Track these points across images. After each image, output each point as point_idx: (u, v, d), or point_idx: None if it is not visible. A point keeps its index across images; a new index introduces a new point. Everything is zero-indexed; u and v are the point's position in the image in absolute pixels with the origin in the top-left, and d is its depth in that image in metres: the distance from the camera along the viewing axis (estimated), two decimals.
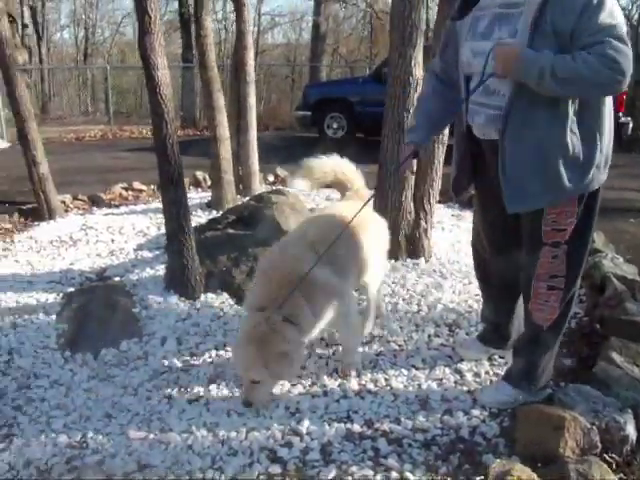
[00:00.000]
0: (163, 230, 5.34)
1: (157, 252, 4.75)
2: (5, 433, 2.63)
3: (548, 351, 2.64)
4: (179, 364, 3.11)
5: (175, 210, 3.61)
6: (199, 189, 7.34)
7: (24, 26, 15.51)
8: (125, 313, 3.62)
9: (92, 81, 21.69)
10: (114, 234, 5.41)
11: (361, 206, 2.82)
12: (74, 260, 4.74)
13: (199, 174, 7.44)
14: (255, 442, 2.49)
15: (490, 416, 2.66)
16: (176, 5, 18.28)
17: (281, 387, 2.86)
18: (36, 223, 5.80)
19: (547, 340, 2.62)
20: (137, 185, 7.13)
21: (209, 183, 7.16)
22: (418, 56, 4.11)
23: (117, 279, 4.16)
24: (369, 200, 3.00)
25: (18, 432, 2.62)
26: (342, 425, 2.59)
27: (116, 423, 2.66)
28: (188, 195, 3.84)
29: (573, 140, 2.27)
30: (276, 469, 2.34)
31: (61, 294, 4.04)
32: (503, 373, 2.86)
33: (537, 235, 2.45)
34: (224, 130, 5.97)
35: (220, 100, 5.98)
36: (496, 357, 3.13)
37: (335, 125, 11.86)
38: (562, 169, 2.28)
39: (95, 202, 6.58)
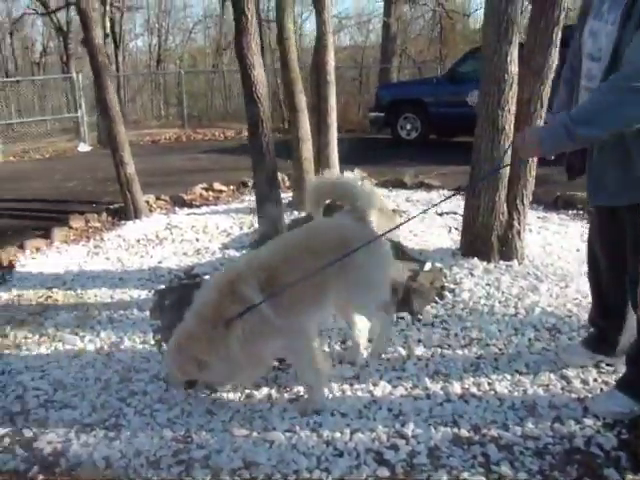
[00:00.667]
0: (246, 230, 5.47)
1: (243, 251, 4.77)
2: (114, 423, 2.69)
3: None
4: (276, 363, 3.09)
5: (270, 208, 3.61)
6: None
7: (105, 36, 16.06)
8: None
9: (164, 86, 22.22)
10: (198, 233, 5.49)
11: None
12: (162, 258, 4.84)
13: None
14: (360, 444, 2.44)
15: (605, 426, 2.52)
16: None
17: (382, 389, 2.81)
18: (123, 222, 5.96)
19: None
20: (217, 186, 7.23)
21: (287, 184, 7.20)
22: (514, 52, 3.97)
23: (206, 277, 4.20)
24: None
25: (125, 423, 2.68)
26: (448, 429, 2.51)
27: (218, 419, 2.67)
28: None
29: None
30: (384, 472, 2.29)
31: (152, 291, 4.13)
32: (616, 382, 2.70)
33: (636, 234, 2.41)
34: (306, 131, 5.97)
35: (302, 101, 5.99)
36: (603, 364, 2.97)
37: (409, 126, 11.75)
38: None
39: (177, 202, 6.70)
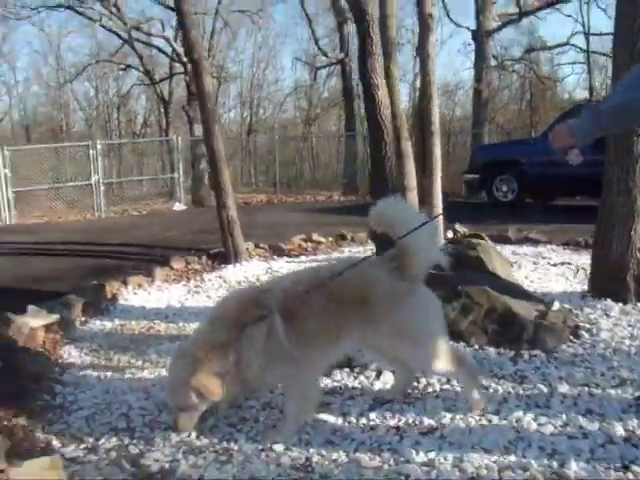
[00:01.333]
0: None
1: None
2: (224, 447, 2.45)
3: None
4: (399, 396, 2.78)
5: None
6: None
7: None
8: None
9: (255, 154, 22.93)
10: None
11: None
12: None
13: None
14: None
15: None
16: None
17: (528, 425, 2.43)
18: (223, 265, 5.90)
19: None
20: (316, 237, 7.12)
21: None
22: None
23: None
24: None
25: (236, 447, 2.44)
26: (621, 474, 2.10)
27: (340, 449, 2.38)
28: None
29: None
30: None
31: None
32: None
33: None
34: (412, 179, 5.75)
35: (408, 147, 5.81)
36: None
37: (505, 188, 11.37)
38: None
39: (275, 251, 6.61)
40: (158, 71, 22.24)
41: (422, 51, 6.45)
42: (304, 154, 21.95)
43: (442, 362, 2.51)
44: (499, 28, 16.96)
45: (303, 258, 6.37)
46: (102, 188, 14.20)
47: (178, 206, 13.53)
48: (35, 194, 14.53)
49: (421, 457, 2.27)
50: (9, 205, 13.14)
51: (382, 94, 3.41)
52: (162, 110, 23.09)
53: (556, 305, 3.71)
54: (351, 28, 17.74)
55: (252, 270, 5.61)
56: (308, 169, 21.85)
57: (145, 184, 16.49)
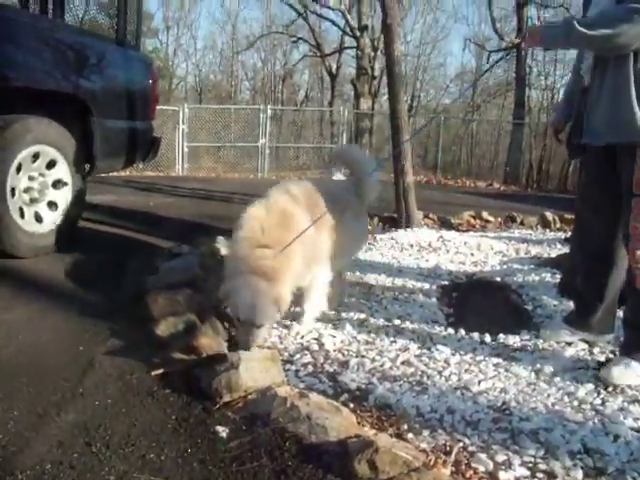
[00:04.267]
0: (523, 254, 5.12)
1: (531, 266, 4.44)
2: (418, 380, 2.51)
3: None
4: (593, 364, 2.69)
5: None
6: (547, 229, 6.89)
7: (373, 77, 17.19)
8: (517, 308, 3.37)
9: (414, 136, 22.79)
10: (472, 250, 5.25)
11: None
12: (437, 262, 4.67)
13: (548, 214, 7.04)
14: None
15: None
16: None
17: None
18: (394, 229, 5.95)
19: None
20: (485, 215, 7.00)
21: (558, 225, 6.83)
22: None
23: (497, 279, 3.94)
24: None
25: (430, 383, 2.49)
26: None
27: (538, 401, 2.34)
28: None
29: None
30: None
31: (434, 284, 3.96)
32: (620, 348, 2.67)
33: (629, 186, 2.42)
34: None
35: None
36: None
37: None
38: (634, 107, 2.33)
39: (444, 223, 6.57)
40: (327, 46, 22.74)
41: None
42: (464, 140, 21.51)
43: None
44: None
45: (472, 233, 6.27)
46: (267, 151, 14.88)
47: (339, 175, 13.79)
48: (204, 151, 15.53)
49: (630, 422, 2.19)
50: (183, 158, 14.15)
51: None
52: (328, 84, 23.53)
53: None
54: (532, 11, 17.07)
55: (424, 237, 5.61)
56: (466, 156, 21.39)
57: (304, 153, 16.98)
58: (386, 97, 6.87)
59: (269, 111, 15.21)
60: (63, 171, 4.10)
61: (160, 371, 2.36)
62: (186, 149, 14.23)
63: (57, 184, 4.10)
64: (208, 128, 15.44)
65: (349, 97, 24.13)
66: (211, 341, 2.49)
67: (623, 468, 1.92)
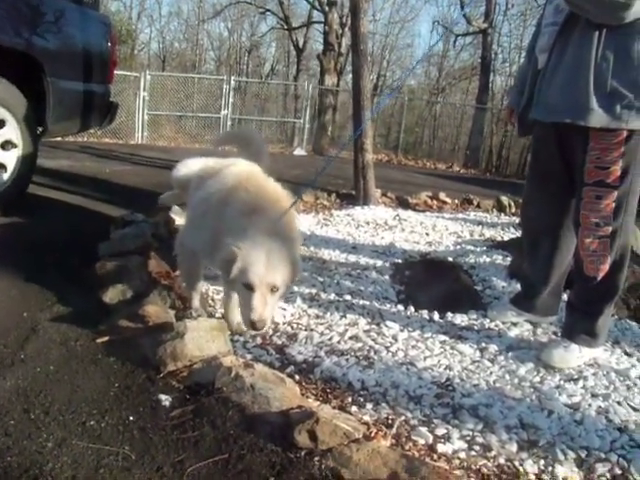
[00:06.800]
0: (477, 237, 5.20)
1: (483, 248, 4.51)
2: (365, 355, 2.54)
3: (605, 304, 2.56)
4: (536, 344, 2.77)
5: None
6: (502, 214, 6.99)
7: (339, 54, 17.09)
8: (467, 288, 3.43)
9: (378, 115, 22.84)
10: (427, 230, 5.30)
11: None
12: (392, 240, 4.71)
13: (504, 199, 7.14)
14: None
15: None
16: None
17: None
18: (351, 206, 5.97)
19: (602, 293, 2.54)
20: (442, 197, 7.05)
21: (513, 210, 6.92)
22: None
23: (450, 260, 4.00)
24: None
25: (377, 357, 2.52)
26: None
27: (481, 378, 2.40)
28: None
29: (602, 66, 2.28)
30: None
31: (387, 262, 3.99)
32: (561, 330, 2.76)
33: (581, 175, 2.44)
34: None
35: None
36: None
37: None
38: (590, 89, 2.30)
39: (401, 203, 6.60)
40: (295, 19, 22.48)
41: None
42: (427, 122, 21.63)
43: None
44: None
45: (428, 213, 6.33)
46: (229, 123, 14.70)
47: (299, 151, 13.75)
48: (165, 120, 15.24)
49: (564, 399, 2.26)
50: (143, 126, 13.86)
51: None
52: (294, 58, 23.30)
53: None
54: None
55: (380, 214, 5.64)
56: (428, 137, 21.54)
57: (266, 127, 16.83)
58: (351, 75, 6.91)
59: (233, 82, 14.99)
60: (12, 132, 3.96)
61: (105, 338, 2.34)
62: (146, 117, 13.93)
63: (6, 145, 3.97)
64: (170, 97, 15.13)
65: (315, 72, 23.92)
66: (158, 310, 2.47)
67: (554, 441, 1.99)
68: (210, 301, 2.99)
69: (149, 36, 31.50)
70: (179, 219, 4.38)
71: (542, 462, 1.88)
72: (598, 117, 2.30)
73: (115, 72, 5.18)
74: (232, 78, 15.35)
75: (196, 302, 2.71)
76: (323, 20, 17.75)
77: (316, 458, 1.66)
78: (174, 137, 14.92)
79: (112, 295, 2.64)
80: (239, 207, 2.32)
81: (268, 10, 23.41)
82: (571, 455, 1.92)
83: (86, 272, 3.03)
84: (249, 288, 2.12)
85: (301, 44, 22.41)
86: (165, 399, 1.96)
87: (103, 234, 3.72)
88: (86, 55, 4.56)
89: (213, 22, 28.47)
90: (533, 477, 1.81)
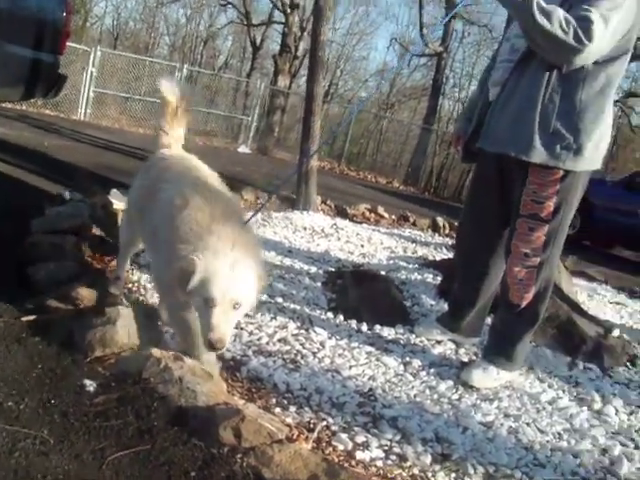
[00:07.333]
0: (410, 254, 5.34)
1: (415, 265, 4.63)
2: (292, 358, 2.59)
3: (525, 331, 2.71)
4: (457, 363, 2.88)
5: None
6: (436, 234, 7.18)
7: (295, 57, 17.15)
8: (396, 302, 3.52)
9: (325, 123, 23.00)
10: (363, 241, 5.39)
11: None
12: (328, 248, 4.77)
13: (440, 219, 7.34)
14: (564, 463, 2.16)
15: None
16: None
17: (580, 424, 2.50)
18: (290, 210, 6.00)
19: (524, 320, 2.68)
20: (380, 211, 7.19)
21: (447, 231, 7.12)
22: None
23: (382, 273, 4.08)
24: None
25: (304, 362, 2.56)
26: None
27: (402, 392, 2.48)
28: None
29: (548, 107, 2.41)
30: None
31: (321, 269, 4.05)
32: (482, 352, 2.87)
33: (518, 206, 2.54)
34: None
35: None
36: None
37: None
38: (535, 127, 2.41)
39: (340, 212, 6.68)
40: (256, 16, 22.38)
41: None
42: (373, 135, 21.95)
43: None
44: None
45: (365, 225, 6.43)
46: None
47: (243, 148, 13.69)
48: (111, 99, 14.87)
49: (479, 417, 2.37)
50: (87, 103, 13.48)
51: None
52: (249, 55, 23.18)
53: (616, 332, 3.74)
54: (459, 25, 17.66)
55: (318, 221, 5.69)
56: (372, 151, 21.86)
57: (214, 120, 16.65)
58: (304, 79, 6.99)
59: (185, 70, 14.81)
60: None
61: (32, 317, 2.28)
62: (92, 94, 13.56)
63: None
64: (119, 76, 14.79)
65: (268, 72, 23.88)
66: (90, 293, 2.43)
67: (466, 456, 2.09)
68: (142, 290, 2.97)
69: (104, 10, 30.57)
70: (117, 203, 4.31)
71: (453, 475, 1.97)
72: (539, 154, 2.42)
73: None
74: (185, 66, 15.16)
75: (122, 272, 2.75)
76: (284, 21, 17.77)
77: (239, 455, 1.68)
78: (118, 118, 14.57)
79: (43, 273, 2.58)
80: (195, 214, 2.08)
81: (230, 3, 23.18)
82: (480, 470, 2.02)
83: (17, 248, 2.94)
84: (210, 304, 1.92)
85: (258, 42, 22.33)
86: (90, 384, 1.93)
87: (37, 210, 3.62)
88: (38, 21, 4.43)
89: (172, 7, 27.93)
90: None
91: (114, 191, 4.51)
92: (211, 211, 2.10)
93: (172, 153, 2.72)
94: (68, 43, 5.35)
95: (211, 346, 1.89)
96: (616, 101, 18.85)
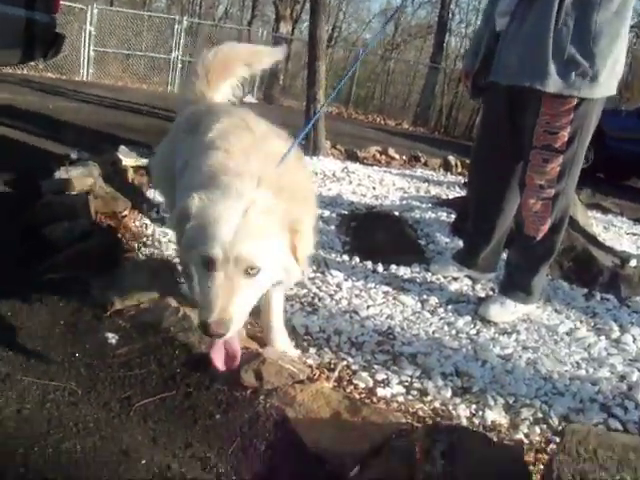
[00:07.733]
0: (422, 193, 5.31)
1: (428, 205, 4.60)
2: (309, 301, 2.61)
3: (542, 264, 2.70)
4: (474, 299, 2.89)
5: None
6: (448, 172, 7.13)
7: (296, 2, 16.71)
8: (411, 241, 3.52)
9: (330, 67, 22.60)
10: (374, 183, 5.37)
11: None
12: (339, 192, 4.75)
13: (451, 158, 7.26)
14: (583, 391, 2.18)
15: None
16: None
17: (598, 352, 2.52)
18: None
19: (540, 252, 2.66)
20: (391, 152, 7.13)
21: (459, 170, 7.06)
22: None
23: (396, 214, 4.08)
24: None
25: (321, 305, 2.59)
26: None
27: (421, 329, 2.50)
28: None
29: (562, 32, 2.31)
30: (615, 423, 2.01)
31: (334, 213, 4.04)
32: (499, 286, 2.87)
33: (531, 138, 2.49)
34: None
35: None
36: None
37: None
38: (549, 55, 2.32)
39: (350, 156, 6.64)
40: None
41: None
42: (380, 77, 21.57)
43: None
44: None
45: (376, 168, 6.39)
46: (179, 65, 14.28)
47: (249, 98, 13.51)
48: (112, 58, 14.68)
49: (497, 350, 2.39)
50: (89, 62, 13.33)
51: None
52: (249, 2, 22.64)
53: (633, 262, 3.72)
54: None
55: (329, 166, 5.67)
56: (379, 93, 21.51)
57: None
58: (307, 24, 6.83)
59: (185, 23, 14.52)
60: None
61: (50, 276, 2.31)
62: (92, 53, 13.40)
63: None
64: (118, 34, 14.54)
65: (269, 19, 23.34)
66: (105, 249, 2.45)
67: (486, 388, 2.12)
68: (156, 243, 2.98)
69: None
70: (126, 159, 4.30)
71: (474, 407, 2.00)
72: (554, 83, 2.34)
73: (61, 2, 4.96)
74: (184, 18, 14.87)
75: None
76: None
77: (261, 397, 1.72)
78: (121, 76, 14.43)
79: (57, 233, 2.59)
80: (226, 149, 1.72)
81: None
82: (500, 401, 2.04)
83: (29, 209, 2.95)
84: (207, 265, 1.43)
85: None
86: (112, 337, 1.97)
87: (46, 171, 3.62)
88: None
89: None
90: (465, 420, 1.93)
91: (122, 148, 4.50)
92: (242, 147, 1.73)
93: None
94: (63, 2, 5.25)
95: (206, 331, 1.38)
96: (632, 26, 18.29)
